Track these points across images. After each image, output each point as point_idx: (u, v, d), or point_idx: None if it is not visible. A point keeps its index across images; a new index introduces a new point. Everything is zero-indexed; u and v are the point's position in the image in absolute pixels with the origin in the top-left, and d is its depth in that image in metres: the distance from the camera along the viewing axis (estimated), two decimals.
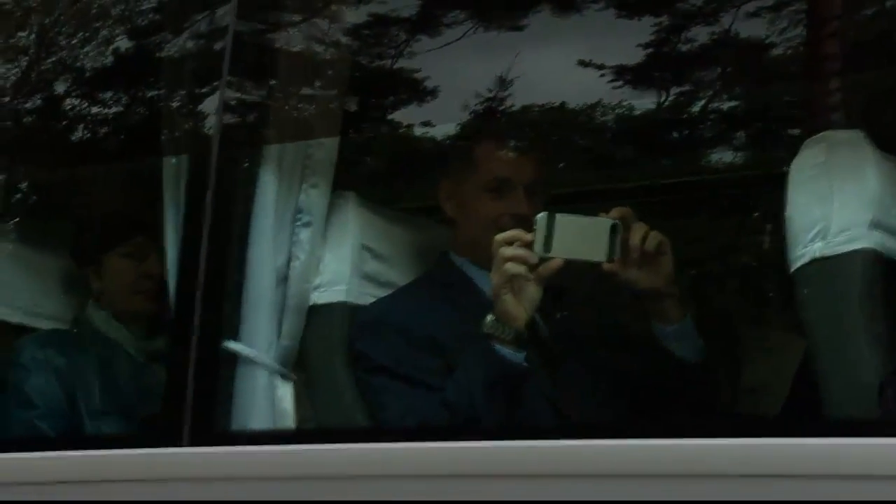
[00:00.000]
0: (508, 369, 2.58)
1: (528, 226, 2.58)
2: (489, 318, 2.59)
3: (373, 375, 2.74)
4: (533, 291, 2.58)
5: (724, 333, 2.89)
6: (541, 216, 2.57)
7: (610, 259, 2.57)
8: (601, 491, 2.28)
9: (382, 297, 2.87)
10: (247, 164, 2.93)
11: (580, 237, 2.57)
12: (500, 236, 2.59)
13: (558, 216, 2.56)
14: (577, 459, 2.34)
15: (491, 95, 3.32)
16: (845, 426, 2.25)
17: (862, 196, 2.41)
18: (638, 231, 2.62)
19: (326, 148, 2.89)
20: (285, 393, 2.81)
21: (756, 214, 3.44)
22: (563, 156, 3.63)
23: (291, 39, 3.05)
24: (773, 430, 2.33)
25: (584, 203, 3.26)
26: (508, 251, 2.57)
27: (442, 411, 2.62)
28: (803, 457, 2.16)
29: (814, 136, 2.56)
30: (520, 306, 2.59)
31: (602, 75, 3.23)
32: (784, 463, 2.17)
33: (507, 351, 2.58)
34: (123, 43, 3.42)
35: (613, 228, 2.57)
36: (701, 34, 3.15)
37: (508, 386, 2.59)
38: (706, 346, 2.74)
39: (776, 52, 3.13)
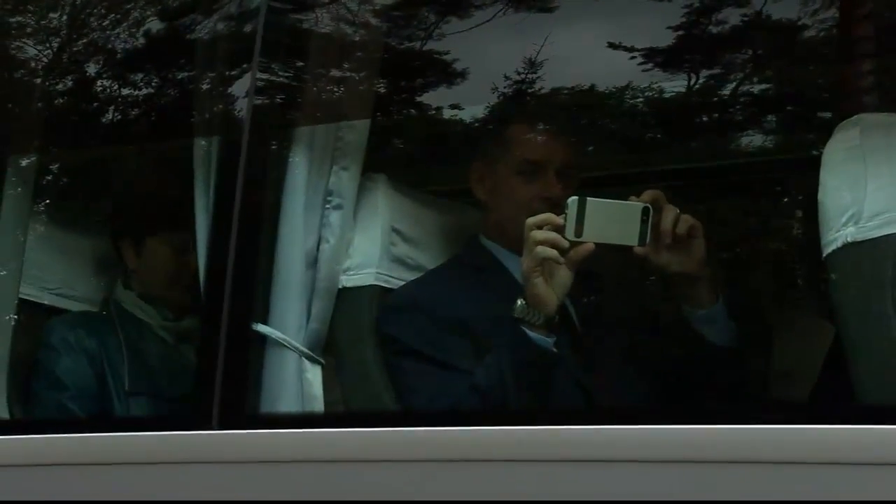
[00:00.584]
0: (538, 354, 2.56)
1: (559, 209, 2.55)
2: (520, 302, 2.56)
3: (402, 359, 2.71)
4: (564, 276, 2.55)
5: (755, 318, 2.85)
6: (572, 200, 2.54)
7: (641, 243, 2.54)
8: (627, 478, 2.27)
9: (411, 280, 2.85)
10: (277, 147, 2.91)
11: (612, 221, 2.54)
12: (531, 220, 2.56)
13: (589, 199, 2.53)
14: (606, 444, 2.32)
15: (521, 78, 3.29)
16: (877, 413, 2.22)
17: None
18: (669, 214, 2.58)
19: (357, 130, 2.86)
20: (315, 376, 2.78)
21: (789, 199, 3.40)
22: (594, 139, 3.59)
23: (322, 21, 3.03)
24: (804, 416, 2.29)
25: (615, 187, 3.23)
26: (540, 234, 2.53)
27: (471, 395, 2.59)
28: (833, 443, 2.15)
29: (847, 119, 2.51)
30: (550, 291, 2.56)
31: (632, 57, 3.20)
32: (814, 449, 2.16)
33: (537, 336, 2.56)
34: (155, 24, 3.40)
35: (645, 212, 2.54)
36: (732, 16, 3.12)
37: (538, 370, 2.57)
38: (738, 330, 2.71)
39: (809, 33, 3.09)
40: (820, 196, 2.43)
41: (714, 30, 3.13)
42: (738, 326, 2.74)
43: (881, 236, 2.35)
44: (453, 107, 3.44)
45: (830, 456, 2.14)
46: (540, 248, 2.53)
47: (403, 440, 2.51)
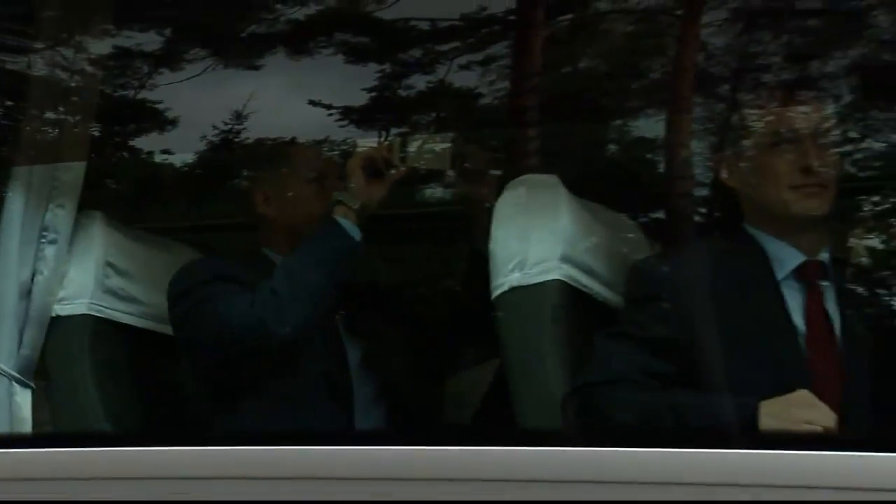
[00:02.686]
0: (345, 237, 2.69)
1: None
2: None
3: (209, 287, 2.74)
4: (382, 185, 2.72)
5: (436, 348, 3.00)
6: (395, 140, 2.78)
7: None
8: None
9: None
10: None
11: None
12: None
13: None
14: None
15: (227, 128, 3.40)
16: (532, 436, 2.38)
17: (555, 233, 2.53)
18: None
19: (74, 171, 2.86)
20: (24, 399, 2.76)
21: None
22: None
23: (39, 66, 3.05)
24: (466, 437, 2.41)
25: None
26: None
27: (281, 273, 2.67)
28: (495, 463, 2.23)
29: (516, 179, 2.67)
30: (369, 187, 2.71)
31: (330, 114, 3.36)
32: (479, 468, 2.24)
33: (346, 221, 2.69)
34: None
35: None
36: (420, 82, 3.31)
37: (340, 255, 2.69)
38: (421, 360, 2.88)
39: (485, 101, 3.31)
40: (491, 246, 2.55)
41: (403, 93, 3.32)
42: (422, 356, 2.89)
43: (542, 281, 2.50)
44: (164, 151, 3.51)
45: (492, 474, 2.22)
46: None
47: (108, 459, 2.49)
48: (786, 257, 2.46)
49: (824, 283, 2.47)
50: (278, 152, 3.15)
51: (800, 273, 2.46)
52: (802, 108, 2.52)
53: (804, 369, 2.37)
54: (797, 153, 2.45)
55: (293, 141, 3.22)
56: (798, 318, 2.41)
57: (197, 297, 2.71)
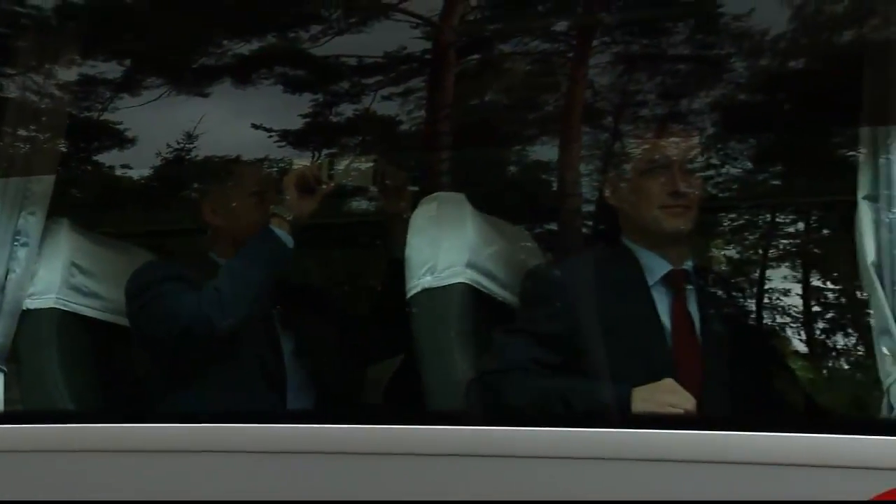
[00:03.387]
0: (279, 245, 2.68)
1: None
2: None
3: (161, 284, 2.72)
4: (312, 199, 2.71)
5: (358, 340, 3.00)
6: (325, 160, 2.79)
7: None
8: None
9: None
10: None
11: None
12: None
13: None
14: None
15: (179, 146, 3.38)
16: (440, 416, 2.40)
17: (461, 243, 2.55)
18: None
19: (44, 182, 2.84)
20: None
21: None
22: None
23: (13, 90, 3.01)
24: (383, 417, 2.45)
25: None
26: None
27: (225, 275, 2.65)
28: (405, 439, 2.26)
29: (429, 195, 2.70)
30: (301, 201, 2.69)
31: (270, 136, 3.35)
32: (392, 444, 2.27)
33: (280, 231, 2.68)
34: None
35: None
36: (347, 110, 3.31)
37: (276, 261, 2.69)
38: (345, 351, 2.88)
39: (403, 127, 3.32)
40: (407, 252, 2.57)
41: (334, 119, 3.32)
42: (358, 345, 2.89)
43: (449, 284, 2.52)
44: (124, 166, 3.48)
45: (404, 448, 2.25)
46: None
47: (71, 434, 2.49)
48: (656, 266, 2.51)
49: (688, 288, 2.52)
50: (224, 169, 3.14)
51: (667, 279, 2.51)
52: (671, 140, 2.57)
53: (669, 361, 2.42)
54: (666, 178, 2.50)
55: (237, 159, 3.21)
56: (665, 318, 2.47)
57: (151, 294, 2.70)
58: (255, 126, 3.33)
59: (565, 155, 3.01)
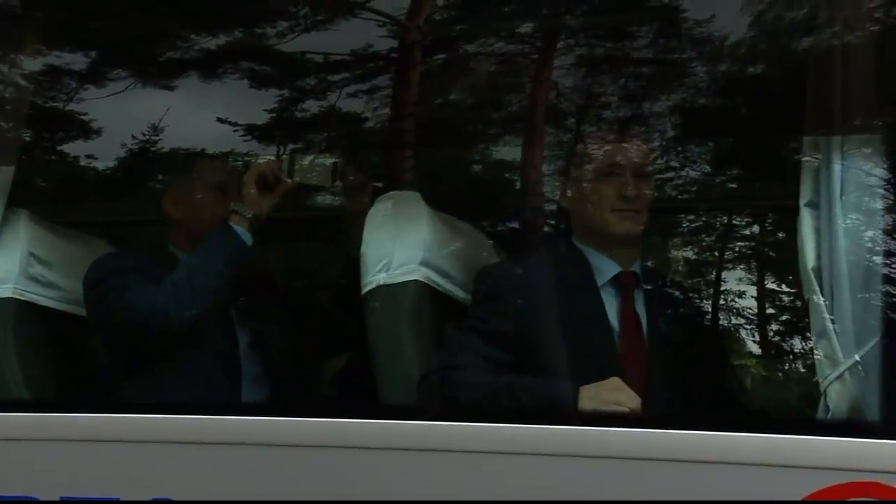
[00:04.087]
0: (237, 242, 2.69)
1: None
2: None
3: (116, 277, 2.73)
4: (272, 196, 2.72)
5: (314, 334, 3.03)
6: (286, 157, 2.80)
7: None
8: None
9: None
10: None
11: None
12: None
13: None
14: None
15: (143, 139, 3.41)
16: (392, 410, 2.43)
17: (416, 241, 2.58)
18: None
19: (3, 173, 2.84)
20: None
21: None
22: None
23: None
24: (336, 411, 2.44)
25: None
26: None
27: (183, 270, 2.66)
28: (359, 433, 2.29)
29: (384, 195, 2.72)
30: (261, 199, 2.70)
31: (234, 131, 3.39)
32: (345, 437, 2.29)
33: (240, 228, 2.69)
34: None
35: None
36: (312, 107, 3.35)
37: (234, 257, 2.69)
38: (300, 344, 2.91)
39: (369, 125, 3.36)
40: (363, 249, 2.60)
41: (299, 115, 3.36)
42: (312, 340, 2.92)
43: (404, 281, 2.55)
44: (87, 157, 3.50)
45: (356, 442, 2.27)
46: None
47: (27, 422, 2.51)
48: (605, 268, 2.56)
49: (636, 290, 2.57)
50: (187, 162, 3.17)
51: (616, 281, 2.56)
52: (624, 145, 2.62)
53: (616, 360, 2.47)
54: (618, 183, 2.54)
55: (200, 153, 3.24)
56: (613, 319, 2.52)
57: (109, 285, 2.73)
58: (219, 120, 3.37)
59: (524, 156, 3.05)
